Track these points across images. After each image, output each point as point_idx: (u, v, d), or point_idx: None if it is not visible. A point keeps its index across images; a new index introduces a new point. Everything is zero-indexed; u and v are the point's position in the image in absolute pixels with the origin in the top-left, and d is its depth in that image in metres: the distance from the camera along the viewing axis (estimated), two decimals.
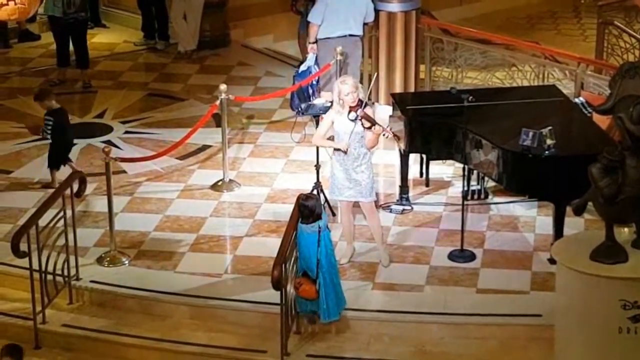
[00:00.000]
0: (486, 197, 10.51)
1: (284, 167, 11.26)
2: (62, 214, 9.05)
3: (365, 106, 9.03)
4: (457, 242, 9.58)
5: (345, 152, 9.05)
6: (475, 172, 10.19)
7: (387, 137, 9.21)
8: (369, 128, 9.02)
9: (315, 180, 10.15)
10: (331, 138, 9.31)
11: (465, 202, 9.67)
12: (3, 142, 11.91)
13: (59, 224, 9.04)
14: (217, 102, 10.84)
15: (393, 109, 10.64)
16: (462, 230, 9.53)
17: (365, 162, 9.14)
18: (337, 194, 9.29)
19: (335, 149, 9.18)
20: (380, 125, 9.05)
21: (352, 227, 9.50)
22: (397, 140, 9.80)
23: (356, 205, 9.39)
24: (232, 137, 11.82)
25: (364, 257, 9.53)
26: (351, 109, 9.01)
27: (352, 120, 9.00)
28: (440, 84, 12.22)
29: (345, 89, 8.99)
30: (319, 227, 8.48)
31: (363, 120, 8.99)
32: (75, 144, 11.12)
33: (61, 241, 9.12)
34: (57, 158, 10.78)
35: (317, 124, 10.05)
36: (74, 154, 11.50)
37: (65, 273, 9.14)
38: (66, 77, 13.61)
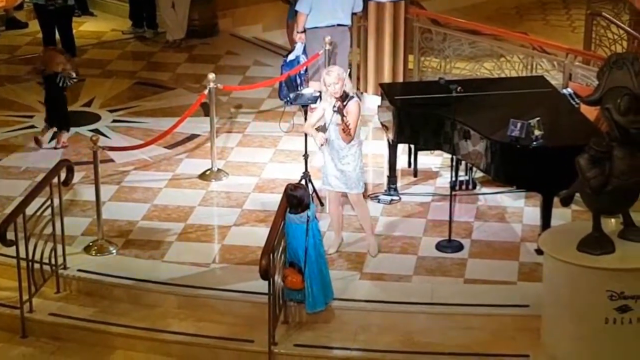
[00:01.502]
0: (474, 187, 10.53)
1: (272, 157, 11.26)
2: (49, 202, 9.03)
3: (346, 99, 8.96)
4: (445, 232, 9.59)
5: (322, 145, 9.03)
6: (463, 162, 10.21)
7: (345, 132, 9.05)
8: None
9: (303, 170, 10.15)
10: (322, 126, 9.28)
11: (453, 193, 9.69)
12: None
13: (46, 213, 9.03)
14: (206, 91, 10.83)
15: (381, 99, 10.65)
16: (450, 221, 9.54)
17: (352, 154, 9.12)
18: (327, 184, 9.30)
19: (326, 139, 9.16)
20: (344, 122, 8.89)
21: (340, 218, 9.51)
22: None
23: (344, 195, 9.39)
24: (221, 126, 11.81)
25: (352, 247, 9.54)
26: (337, 99, 9.00)
27: (334, 111, 8.99)
28: (428, 74, 12.22)
29: (328, 79, 8.97)
30: (308, 217, 8.48)
31: (340, 113, 8.93)
32: (63, 115, 11.46)
33: (48, 230, 9.10)
34: (47, 116, 11.40)
35: (306, 113, 10.05)
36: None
37: (53, 262, 9.12)
38: None
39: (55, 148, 11.29)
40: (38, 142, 11.33)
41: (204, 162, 10.98)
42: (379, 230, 9.82)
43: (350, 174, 9.14)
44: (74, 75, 11.33)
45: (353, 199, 9.30)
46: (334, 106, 8.93)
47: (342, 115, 8.89)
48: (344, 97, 8.96)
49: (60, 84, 11.24)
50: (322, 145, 9.06)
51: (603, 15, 12.55)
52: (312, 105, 10.54)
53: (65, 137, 11.42)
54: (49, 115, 11.46)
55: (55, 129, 11.41)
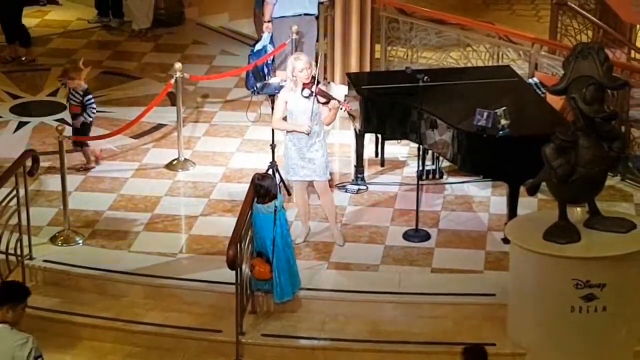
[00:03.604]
0: (441, 177, 10.56)
1: (239, 147, 11.24)
2: (15, 193, 8.97)
3: (318, 83, 9.03)
4: (412, 222, 9.62)
5: (308, 135, 9.03)
6: (430, 152, 10.23)
7: (344, 111, 9.21)
8: (325, 104, 9.03)
9: (271, 160, 10.14)
10: (284, 118, 9.28)
11: (421, 182, 9.71)
12: None
13: (12, 203, 8.97)
14: (172, 81, 10.79)
15: (349, 89, 10.65)
16: (417, 210, 9.57)
17: (320, 141, 9.14)
18: (292, 174, 9.28)
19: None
20: (337, 100, 9.06)
21: (307, 207, 9.51)
22: (352, 119, 9.81)
23: (311, 185, 9.39)
24: (188, 116, 11.77)
25: (319, 237, 9.55)
26: (305, 86, 9.00)
27: (306, 98, 8.99)
28: (395, 64, 12.23)
29: (299, 65, 8.97)
30: (275, 207, 8.48)
31: (319, 96, 8.99)
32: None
33: (14, 220, 9.04)
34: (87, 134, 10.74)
35: (273, 103, 10.03)
36: (26, 132, 11.47)
37: (19, 252, 9.07)
38: (18, 54, 13.47)
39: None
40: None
41: (171, 152, 10.94)
42: (347, 219, 9.83)
43: (319, 161, 9.14)
44: (79, 94, 10.56)
45: (320, 187, 9.30)
46: (311, 93, 8.94)
47: (327, 98, 8.91)
48: (315, 82, 8.98)
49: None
50: (309, 133, 9.02)
51: (569, 5, 12.60)
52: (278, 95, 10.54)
53: (90, 151, 10.68)
54: (87, 132, 10.79)
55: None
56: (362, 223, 9.82)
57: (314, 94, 8.96)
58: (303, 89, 9.00)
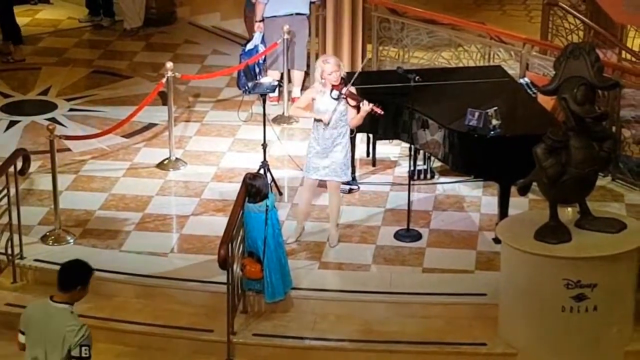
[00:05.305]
0: (432, 177, 10.57)
1: (230, 146, 11.23)
2: (5, 191, 8.96)
3: (348, 84, 9.02)
4: (403, 221, 9.62)
5: (327, 124, 9.00)
6: (421, 152, 10.25)
7: (376, 115, 9.18)
8: (355, 107, 9.02)
9: (262, 159, 10.13)
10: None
11: (412, 182, 9.72)
12: None
13: (2, 202, 8.95)
14: (163, 80, 10.78)
15: None
16: (409, 210, 9.58)
17: (345, 140, 9.13)
18: (312, 173, 9.24)
19: (314, 125, 9.13)
20: (367, 102, 9.03)
21: (309, 207, 9.49)
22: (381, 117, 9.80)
23: (320, 185, 9.36)
24: (179, 115, 11.76)
25: (311, 236, 9.54)
26: (334, 87, 8.99)
27: (335, 99, 8.98)
28: (387, 63, 12.24)
29: (328, 68, 8.96)
30: (267, 207, 8.48)
31: (348, 99, 8.99)
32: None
33: (4, 219, 9.03)
34: None
35: (264, 102, 10.04)
36: (17, 131, 11.45)
37: (9, 252, 9.05)
38: (10, 50, 13.44)
39: None
40: None
41: (162, 151, 10.93)
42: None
43: (340, 161, 9.12)
44: None
45: (333, 186, 9.25)
46: (339, 94, 8.93)
47: (357, 100, 8.93)
48: (343, 83, 8.97)
49: None
50: (327, 123, 9.01)
51: (560, 5, 12.62)
52: (271, 95, 10.55)
53: None
54: None
55: None
56: (353, 222, 9.82)
57: (344, 96, 8.96)
58: (332, 90, 9.00)
